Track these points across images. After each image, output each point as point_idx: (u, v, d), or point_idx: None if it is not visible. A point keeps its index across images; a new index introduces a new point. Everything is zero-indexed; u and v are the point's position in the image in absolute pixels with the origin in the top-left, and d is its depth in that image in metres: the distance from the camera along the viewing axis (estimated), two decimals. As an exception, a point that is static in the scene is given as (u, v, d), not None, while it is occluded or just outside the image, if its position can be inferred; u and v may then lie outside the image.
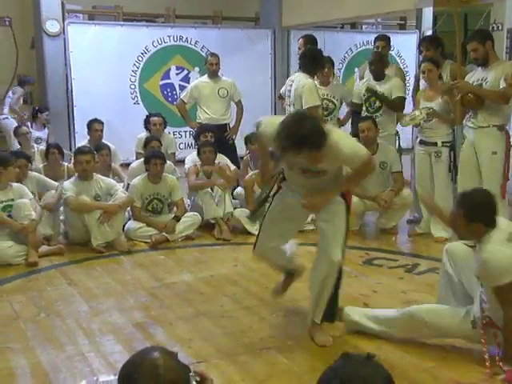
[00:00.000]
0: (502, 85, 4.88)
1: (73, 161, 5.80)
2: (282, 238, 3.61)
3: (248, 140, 6.66)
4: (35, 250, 5.06)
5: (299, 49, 6.50)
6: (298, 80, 5.77)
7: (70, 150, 7.88)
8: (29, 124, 8.15)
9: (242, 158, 7.04)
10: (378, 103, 6.09)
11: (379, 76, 6.14)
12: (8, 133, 8.42)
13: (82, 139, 7.42)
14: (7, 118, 8.79)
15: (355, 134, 6.14)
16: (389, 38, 6.69)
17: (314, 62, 5.82)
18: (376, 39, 6.72)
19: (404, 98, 6.15)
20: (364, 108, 6.20)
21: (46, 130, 8.35)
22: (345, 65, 10.30)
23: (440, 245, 5.37)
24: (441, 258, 4.93)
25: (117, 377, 1.56)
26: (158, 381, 1.47)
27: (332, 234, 3.38)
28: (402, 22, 11.14)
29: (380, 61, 6.18)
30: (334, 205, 3.39)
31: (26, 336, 3.57)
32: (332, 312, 3.51)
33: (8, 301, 4.16)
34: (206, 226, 5.95)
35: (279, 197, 3.53)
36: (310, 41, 6.50)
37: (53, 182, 5.79)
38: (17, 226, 5.03)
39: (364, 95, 6.18)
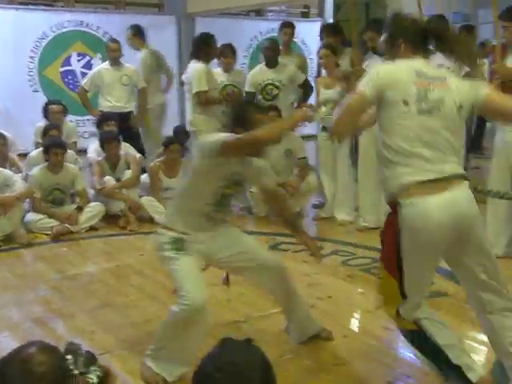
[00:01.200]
0: None
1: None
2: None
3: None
4: None
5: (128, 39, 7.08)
6: (189, 67, 5.87)
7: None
8: None
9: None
10: (275, 91, 6.08)
11: (273, 63, 6.09)
12: None
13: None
14: None
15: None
16: (294, 26, 6.74)
17: (205, 47, 5.85)
18: (282, 26, 6.69)
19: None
20: (260, 96, 6.09)
21: None
22: (250, 52, 10.36)
23: (343, 227, 5.57)
24: (345, 241, 5.13)
25: None
26: (31, 377, 1.40)
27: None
28: (306, 11, 11.33)
29: (276, 48, 6.16)
30: None
31: None
32: None
33: None
34: (111, 216, 5.82)
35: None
36: (137, 30, 7.03)
37: None
38: None
39: (260, 84, 6.07)
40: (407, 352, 2.99)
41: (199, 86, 5.79)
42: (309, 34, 10.55)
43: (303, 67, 6.72)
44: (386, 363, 3.04)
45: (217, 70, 6.29)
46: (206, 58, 5.89)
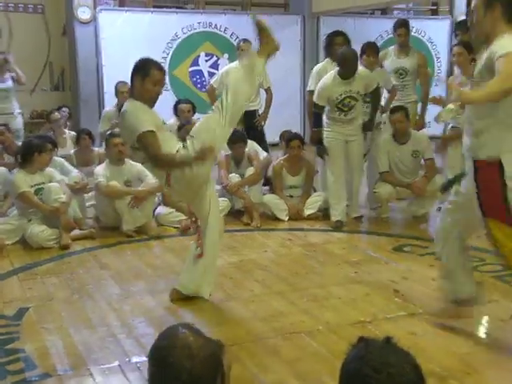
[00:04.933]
0: None
1: (104, 146, 5.85)
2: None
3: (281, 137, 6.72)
4: (67, 233, 5.13)
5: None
6: None
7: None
8: None
9: (273, 145, 7.08)
10: (353, 103, 5.46)
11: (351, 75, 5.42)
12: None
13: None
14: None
15: (317, 139, 5.72)
16: (408, 24, 6.42)
17: (326, 46, 6.04)
18: (397, 25, 6.26)
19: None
20: (336, 109, 5.46)
21: (10, 81, 7.30)
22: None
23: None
24: (474, 246, 4.92)
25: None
26: (193, 360, 1.46)
27: None
28: (434, 8, 11.00)
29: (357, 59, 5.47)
30: None
31: (60, 317, 3.63)
32: None
33: (42, 282, 4.23)
34: (236, 212, 5.97)
35: None
36: None
37: (73, 168, 5.88)
38: (47, 209, 5.11)
39: (338, 98, 5.42)
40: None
41: (309, 86, 5.98)
42: (437, 32, 10.23)
43: (424, 65, 6.45)
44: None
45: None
46: (330, 57, 5.89)
